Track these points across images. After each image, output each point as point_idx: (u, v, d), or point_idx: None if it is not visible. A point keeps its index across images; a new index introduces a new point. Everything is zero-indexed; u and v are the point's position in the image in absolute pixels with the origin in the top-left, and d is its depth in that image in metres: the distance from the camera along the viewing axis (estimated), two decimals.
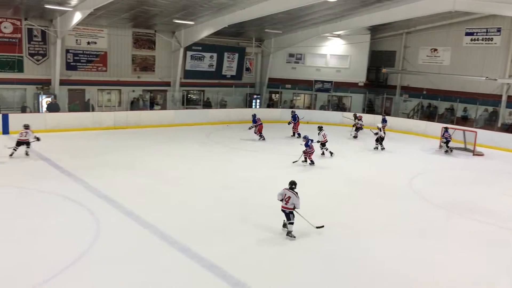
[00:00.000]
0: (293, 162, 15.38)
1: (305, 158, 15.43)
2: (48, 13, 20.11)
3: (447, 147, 19.08)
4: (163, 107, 25.69)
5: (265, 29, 26.15)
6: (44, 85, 21.85)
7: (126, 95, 24.68)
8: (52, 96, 21.41)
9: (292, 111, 22.61)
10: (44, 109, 20.95)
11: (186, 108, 26.13)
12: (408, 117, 26.62)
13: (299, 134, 20.55)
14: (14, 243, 7.98)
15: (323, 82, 29.29)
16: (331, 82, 29.11)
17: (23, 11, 20.23)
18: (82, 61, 23.11)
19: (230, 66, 29.13)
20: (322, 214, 10.40)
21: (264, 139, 19.83)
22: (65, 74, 22.34)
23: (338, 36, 28.29)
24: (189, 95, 27.79)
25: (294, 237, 8.86)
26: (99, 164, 14.01)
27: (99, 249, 7.90)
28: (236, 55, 29.13)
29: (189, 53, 26.64)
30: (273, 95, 30.54)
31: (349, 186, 13.18)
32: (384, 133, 19.40)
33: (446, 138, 19.07)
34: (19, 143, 14.56)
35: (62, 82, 22.05)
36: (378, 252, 8.61)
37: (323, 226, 9.36)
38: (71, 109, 21.97)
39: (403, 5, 20.91)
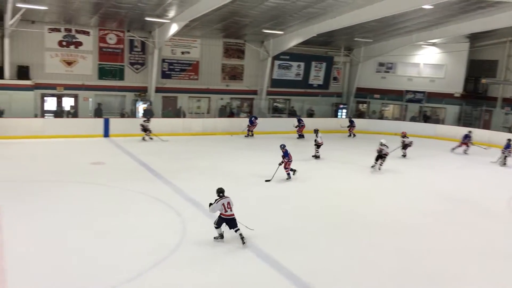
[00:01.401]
0: (266, 181, 13.36)
1: (288, 174, 13.67)
2: (148, 25, 21.54)
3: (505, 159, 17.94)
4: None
5: (354, 37, 25.64)
6: (141, 92, 23.40)
7: (215, 102, 25.56)
8: (148, 103, 22.84)
9: (297, 115, 24.14)
10: (140, 114, 22.39)
11: (272, 117, 26.39)
12: (510, 131, 24.41)
13: (302, 136, 22.29)
14: (105, 239, 8.52)
15: (415, 92, 27.95)
16: (423, 92, 27.68)
17: (126, 23, 21.89)
18: (176, 70, 24.42)
19: (317, 75, 28.96)
20: (416, 232, 9.86)
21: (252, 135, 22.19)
22: (160, 82, 23.73)
23: (433, 44, 26.86)
24: (275, 104, 28.08)
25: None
26: (187, 168, 14.59)
27: (185, 250, 8.17)
28: (324, 64, 28.89)
29: (276, 62, 26.94)
30: (360, 105, 29.79)
31: (442, 203, 12.34)
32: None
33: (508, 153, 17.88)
34: (144, 130, 18.96)
35: (157, 90, 23.45)
36: (478, 277, 7.93)
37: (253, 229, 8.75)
38: (164, 115, 23.26)
39: (508, 11, 19.29)
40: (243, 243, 8.40)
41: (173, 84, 24.39)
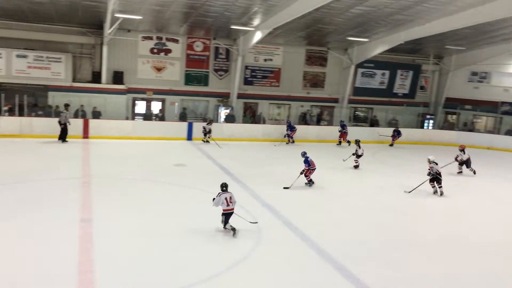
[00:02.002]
0: (285, 188, 12.98)
1: (309, 181, 13.34)
2: (233, 33, 22.16)
3: None
4: (329, 123, 25.88)
5: (445, 45, 24.33)
6: (223, 98, 24.12)
7: (295, 109, 25.59)
8: (230, 108, 23.47)
9: (341, 121, 22.99)
10: (222, 119, 23.07)
11: (353, 125, 25.82)
12: None
13: (340, 143, 21.99)
14: (184, 239, 8.79)
15: (511, 104, 25.81)
16: None
17: (212, 31, 22.72)
18: (258, 76, 24.86)
19: (402, 84, 27.88)
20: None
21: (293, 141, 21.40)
22: (242, 88, 24.28)
23: None
24: (356, 113, 27.45)
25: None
26: (265, 174, 14.71)
27: (258, 256, 8.22)
28: (410, 73, 27.75)
29: (360, 70, 26.37)
30: (449, 116, 28.13)
31: None
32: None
33: None
34: (205, 133, 19.66)
35: (239, 96, 24.02)
36: None
37: (256, 222, 9.50)
38: (244, 121, 23.75)
39: None
40: (223, 227, 8.95)
41: (255, 91, 24.84)
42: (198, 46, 23.47)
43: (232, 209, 8.88)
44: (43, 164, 14.07)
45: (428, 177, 13.26)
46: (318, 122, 25.49)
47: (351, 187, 13.92)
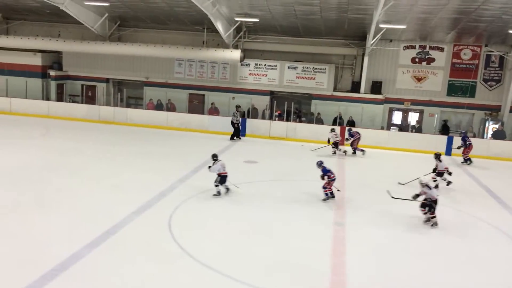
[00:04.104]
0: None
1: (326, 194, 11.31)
2: (510, 38, 19.48)
3: None
4: None
5: None
6: (492, 111, 21.45)
7: None
8: (500, 123, 20.66)
9: (463, 132, 18.92)
10: (489, 135, 20.51)
11: None
12: None
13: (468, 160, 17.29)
14: (432, 260, 8.17)
15: None
16: None
17: (484, 37, 20.53)
18: None
19: None
20: None
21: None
22: None
23: None
24: None
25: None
26: None
27: None
28: None
29: None
30: None
31: None
32: None
33: None
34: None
35: None
36: None
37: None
38: None
39: None
40: (228, 190, 11.16)
41: None
42: (466, 54, 21.53)
43: (226, 173, 10.88)
44: (301, 166, 15.33)
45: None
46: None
47: None
